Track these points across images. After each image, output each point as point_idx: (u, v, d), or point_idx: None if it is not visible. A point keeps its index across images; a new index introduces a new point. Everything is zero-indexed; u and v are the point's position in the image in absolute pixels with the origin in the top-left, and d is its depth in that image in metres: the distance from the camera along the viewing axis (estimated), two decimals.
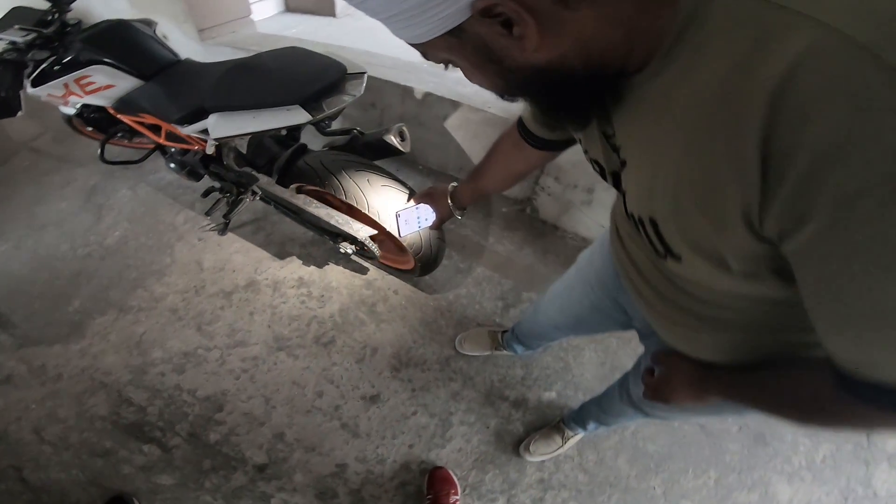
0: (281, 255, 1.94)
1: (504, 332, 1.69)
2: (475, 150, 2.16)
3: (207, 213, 1.78)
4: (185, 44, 2.55)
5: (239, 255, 1.90)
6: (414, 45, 0.43)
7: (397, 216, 1.16)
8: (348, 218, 1.50)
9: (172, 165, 1.72)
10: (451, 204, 1.09)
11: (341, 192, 1.35)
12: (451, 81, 2.08)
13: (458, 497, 1.40)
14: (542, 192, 2.04)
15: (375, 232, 1.51)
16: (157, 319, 1.76)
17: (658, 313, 0.68)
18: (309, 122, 1.21)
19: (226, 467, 1.48)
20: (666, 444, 1.53)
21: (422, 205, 1.15)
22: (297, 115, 1.19)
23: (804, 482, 1.46)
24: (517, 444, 1.52)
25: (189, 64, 1.62)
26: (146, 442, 1.51)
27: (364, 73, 1.31)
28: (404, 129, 1.38)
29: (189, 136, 1.52)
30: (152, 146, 1.81)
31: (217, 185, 1.76)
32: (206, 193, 1.81)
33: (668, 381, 0.71)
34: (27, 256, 1.85)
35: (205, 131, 1.40)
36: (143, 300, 1.81)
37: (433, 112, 2.09)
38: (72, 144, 2.22)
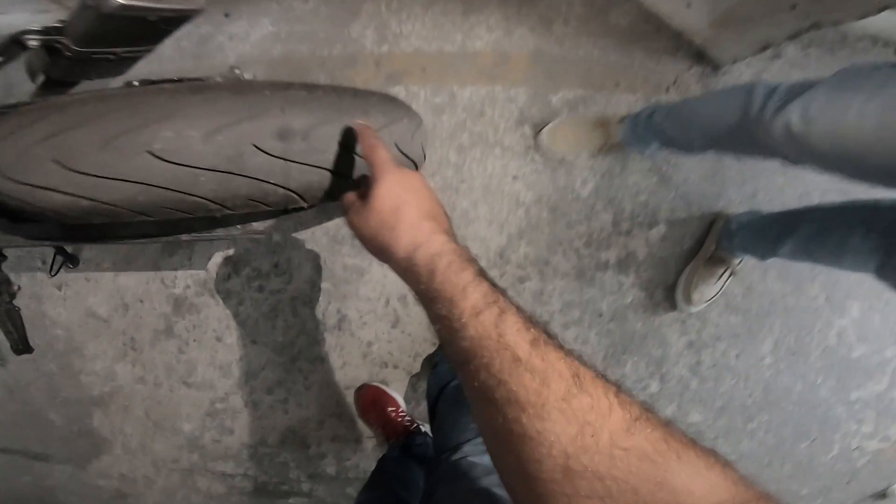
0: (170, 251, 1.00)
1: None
2: None
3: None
4: None
5: (123, 277, 1.07)
6: None
7: None
8: None
9: None
10: None
11: None
12: None
13: (402, 408, 1.14)
14: None
15: None
16: (136, 398, 1.25)
17: None
18: None
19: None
20: None
21: None
22: None
23: None
24: (646, 317, 1.14)
25: None
26: (285, 497, 1.34)
27: None
28: None
29: None
30: None
31: None
32: None
33: None
34: None
35: None
36: (101, 388, 1.24)
37: None
38: None
